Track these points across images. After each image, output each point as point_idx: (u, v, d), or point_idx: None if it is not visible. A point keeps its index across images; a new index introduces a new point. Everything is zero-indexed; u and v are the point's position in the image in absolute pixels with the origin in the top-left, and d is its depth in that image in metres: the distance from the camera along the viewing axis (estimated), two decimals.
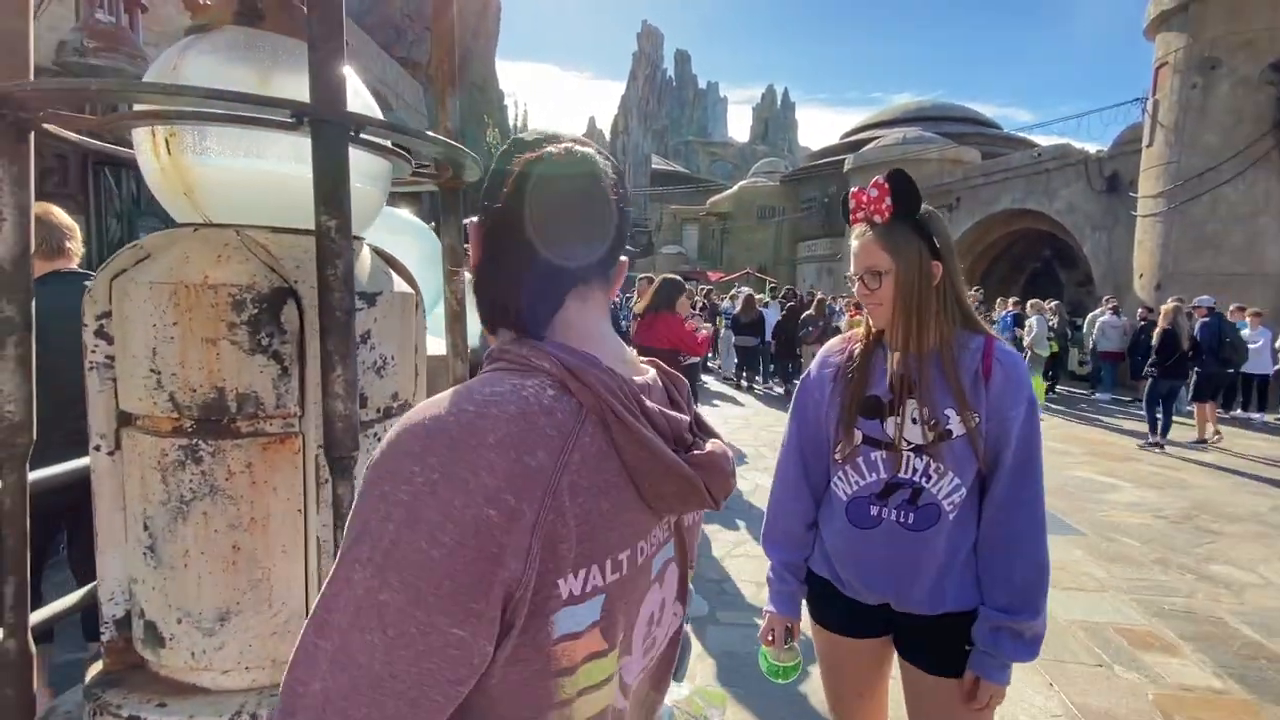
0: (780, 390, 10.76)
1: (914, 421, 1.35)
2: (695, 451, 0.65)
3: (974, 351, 1.36)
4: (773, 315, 11.21)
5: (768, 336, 11.04)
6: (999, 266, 20.29)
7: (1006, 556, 1.34)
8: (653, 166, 61.51)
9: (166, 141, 1.19)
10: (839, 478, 1.47)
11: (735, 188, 33.82)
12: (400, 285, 1.50)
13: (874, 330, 1.46)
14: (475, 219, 0.70)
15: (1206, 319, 8.27)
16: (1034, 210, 16.99)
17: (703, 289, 16.42)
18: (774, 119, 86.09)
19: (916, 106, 31.14)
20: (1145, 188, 13.10)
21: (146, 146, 1.22)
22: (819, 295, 11.16)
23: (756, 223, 30.90)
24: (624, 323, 6.84)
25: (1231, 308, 9.47)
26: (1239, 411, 10.10)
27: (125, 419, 1.24)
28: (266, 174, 1.24)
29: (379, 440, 1.40)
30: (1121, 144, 15.14)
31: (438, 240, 2.63)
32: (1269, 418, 9.74)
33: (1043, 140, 21.38)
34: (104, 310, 1.23)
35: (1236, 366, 8.70)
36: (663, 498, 0.62)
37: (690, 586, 0.71)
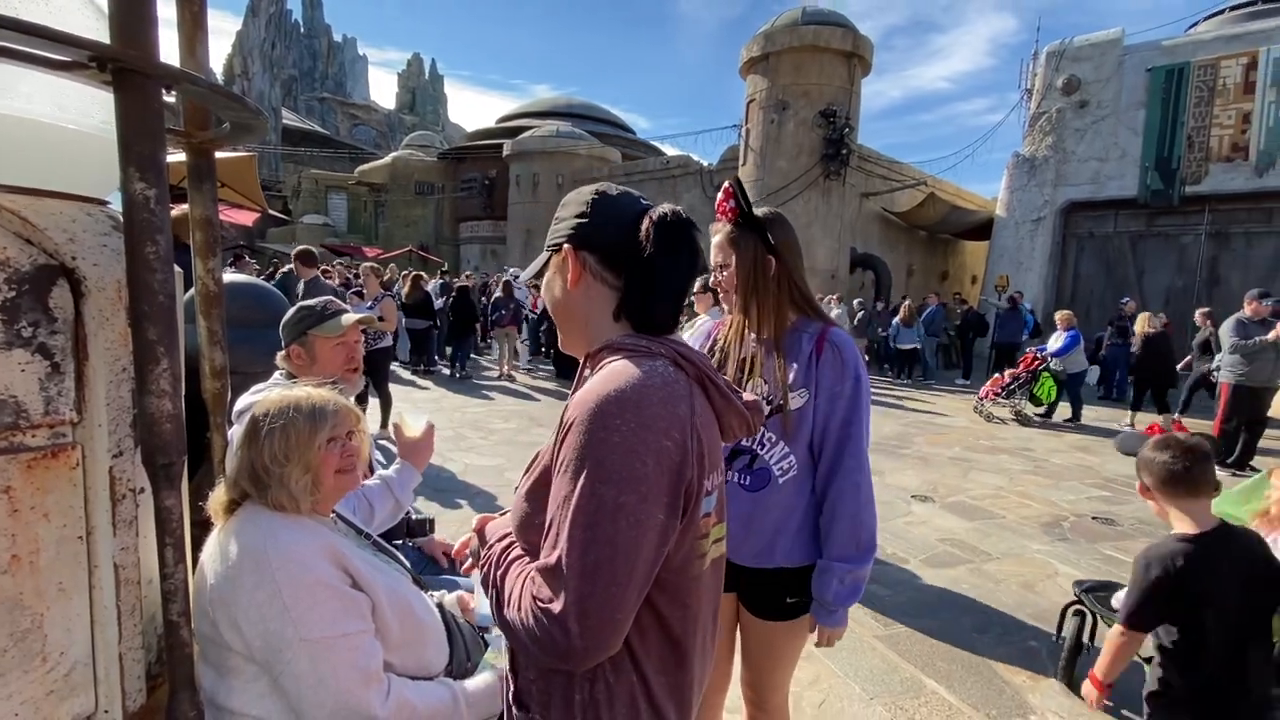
0: (449, 372, 10.65)
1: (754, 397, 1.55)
2: (746, 399, 1.00)
3: (810, 335, 1.51)
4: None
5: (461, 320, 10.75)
6: None
7: (831, 513, 1.47)
8: (284, 122, 53.46)
9: None
10: None
11: (389, 158, 31.54)
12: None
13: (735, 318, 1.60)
14: (570, 245, 0.94)
15: None
16: None
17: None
18: (422, 90, 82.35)
19: (566, 103, 33.33)
20: None
21: None
22: (506, 278, 11.37)
23: (414, 198, 29.49)
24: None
25: (834, 298, 12.53)
26: None
27: None
28: (12, 120, 0.97)
29: None
30: (725, 160, 18.81)
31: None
32: None
33: (669, 150, 25.08)
34: None
35: None
36: (731, 428, 0.97)
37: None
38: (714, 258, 1.55)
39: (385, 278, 12.49)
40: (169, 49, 1.06)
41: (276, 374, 1.83)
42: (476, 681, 1.33)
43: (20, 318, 0.96)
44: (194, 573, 1.25)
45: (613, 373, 0.84)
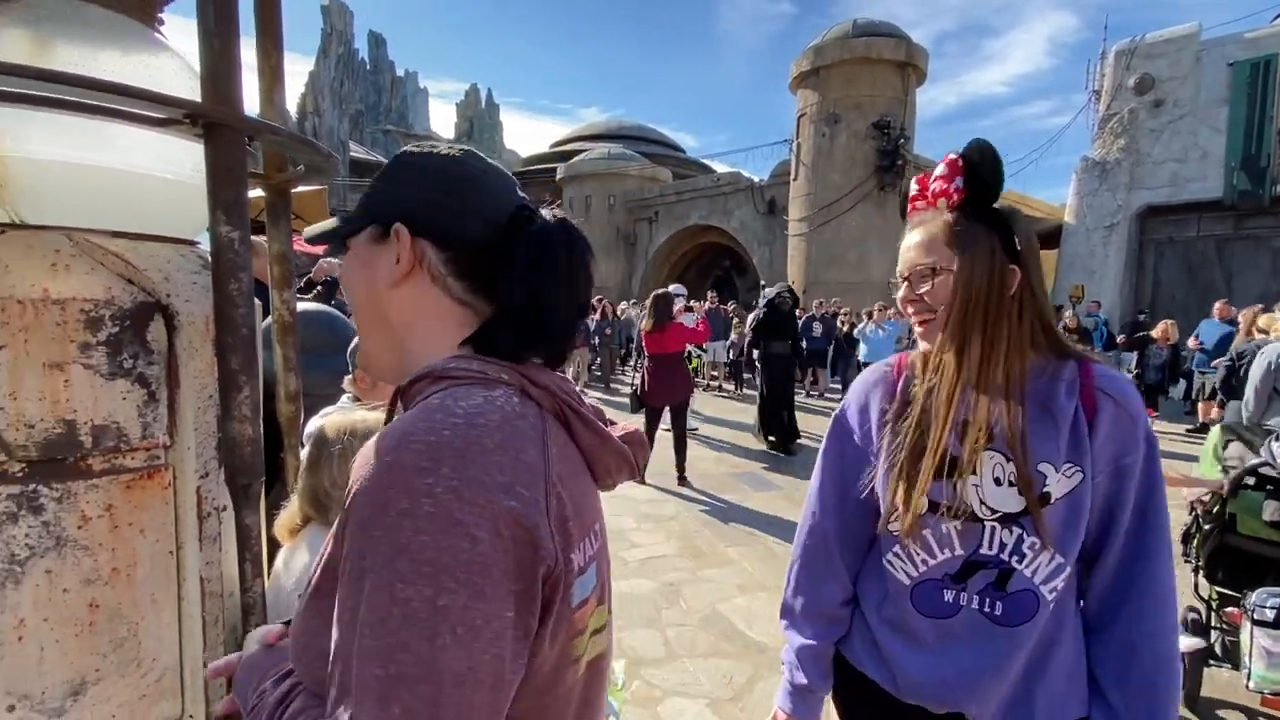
0: None
1: (997, 482, 0.99)
2: (622, 432, 0.76)
3: (1069, 383, 1.00)
4: None
5: None
6: (690, 273, 23.42)
7: (1122, 645, 1.00)
8: (351, 155, 56.39)
9: None
10: (896, 554, 1.09)
11: None
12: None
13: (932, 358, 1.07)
14: (405, 226, 0.68)
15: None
16: (716, 226, 20.08)
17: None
18: (479, 118, 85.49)
19: (618, 125, 34.01)
20: (793, 213, 16.46)
21: None
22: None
23: None
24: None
25: (876, 307, 10.66)
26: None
27: None
28: (115, 172, 1.08)
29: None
30: (776, 176, 18.76)
31: None
32: None
33: (719, 167, 25.17)
34: None
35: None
36: (608, 472, 0.71)
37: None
38: (911, 258, 1.08)
39: None
40: (247, 93, 1.15)
41: (344, 398, 1.93)
42: None
43: (123, 351, 1.05)
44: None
45: (424, 410, 0.58)
